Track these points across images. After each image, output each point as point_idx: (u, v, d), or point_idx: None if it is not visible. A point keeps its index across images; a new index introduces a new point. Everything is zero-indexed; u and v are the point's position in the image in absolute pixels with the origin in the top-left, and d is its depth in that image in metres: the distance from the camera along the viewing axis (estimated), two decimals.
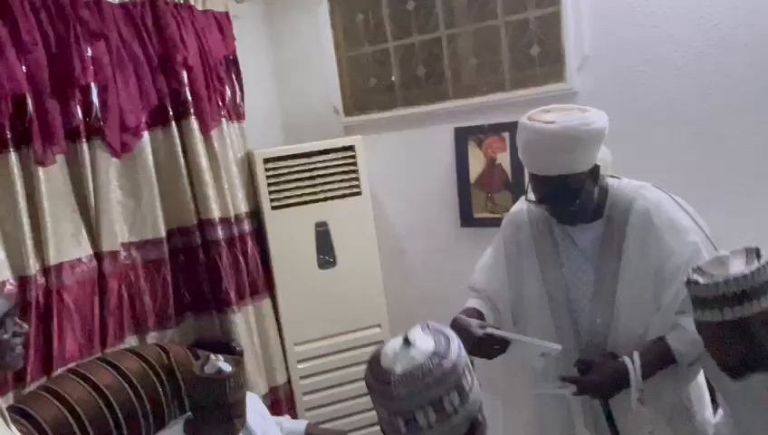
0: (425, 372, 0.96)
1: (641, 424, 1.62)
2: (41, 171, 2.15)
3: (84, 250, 2.32)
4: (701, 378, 1.73)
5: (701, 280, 1.31)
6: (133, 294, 2.51)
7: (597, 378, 1.57)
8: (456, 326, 1.56)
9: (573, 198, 1.54)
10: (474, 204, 3.07)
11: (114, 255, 2.41)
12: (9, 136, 2.06)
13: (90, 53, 2.29)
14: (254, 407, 2.27)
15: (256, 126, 3.15)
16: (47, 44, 2.18)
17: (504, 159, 2.96)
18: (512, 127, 2.89)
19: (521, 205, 1.85)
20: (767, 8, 2.33)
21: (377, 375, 1.07)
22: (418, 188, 3.23)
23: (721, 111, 2.48)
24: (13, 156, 2.08)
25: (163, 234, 2.58)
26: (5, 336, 1.48)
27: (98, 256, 2.37)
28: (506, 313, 1.84)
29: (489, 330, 1.59)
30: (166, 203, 2.60)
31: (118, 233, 2.43)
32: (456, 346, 1.03)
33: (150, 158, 2.53)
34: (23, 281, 2.12)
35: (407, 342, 1.01)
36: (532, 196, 1.64)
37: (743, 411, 1.53)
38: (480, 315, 1.72)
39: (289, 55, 3.47)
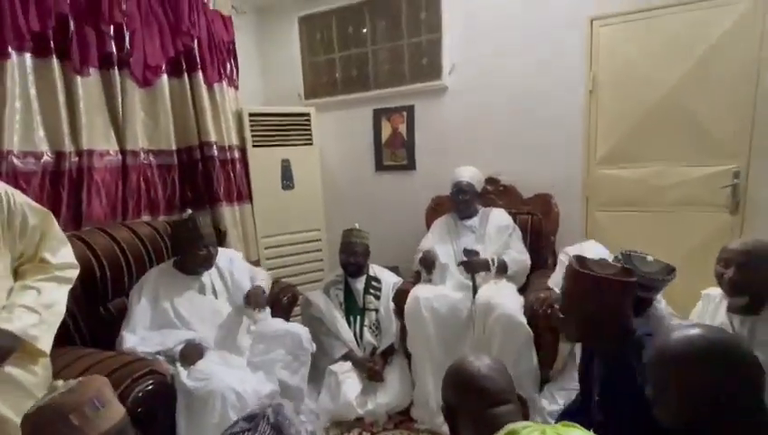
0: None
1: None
2: (78, 79, 1.73)
3: (112, 145, 1.92)
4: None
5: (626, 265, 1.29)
6: (149, 186, 2.10)
7: (475, 261, 2.00)
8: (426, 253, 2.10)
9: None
10: (384, 156, 2.87)
11: (135, 153, 2.00)
12: (53, 45, 1.63)
13: (124, 7, 1.88)
14: (229, 254, 1.89)
15: (247, 101, 2.75)
16: None
17: (402, 129, 2.78)
18: (408, 108, 2.75)
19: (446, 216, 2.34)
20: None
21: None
22: (350, 145, 2.97)
23: (528, 98, 2.41)
24: (55, 62, 1.66)
25: (174, 147, 2.19)
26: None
27: (123, 152, 1.95)
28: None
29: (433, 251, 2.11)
30: (177, 127, 2.20)
31: (139, 139, 2.02)
32: None
33: (167, 94, 2.13)
34: (58, 155, 1.69)
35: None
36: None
37: None
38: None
39: (271, 58, 3.11)
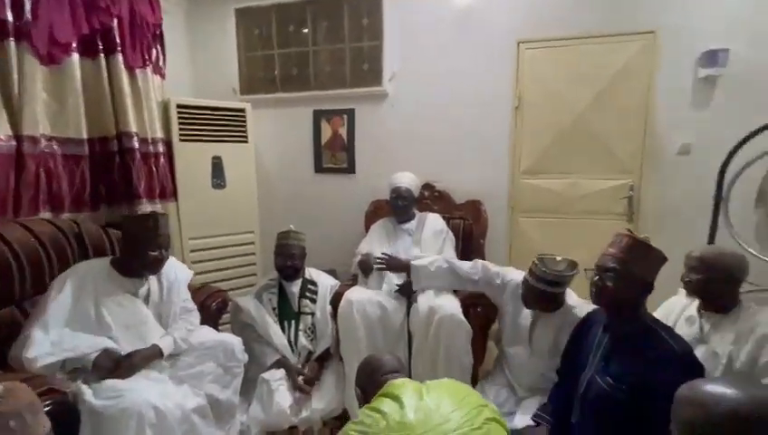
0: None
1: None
2: None
3: (3, 129, 1.63)
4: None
5: (541, 267, 1.51)
6: (51, 178, 1.83)
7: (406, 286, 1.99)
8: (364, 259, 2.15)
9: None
10: (324, 158, 2.84)
11: (35, 140, 1.73)
12: None
13: None
14: (177, 268, 1.73)
15: (175, 92, 2.53)
16: None
17: (343, 132, 2.78)
18: (349, 112, 2.76)
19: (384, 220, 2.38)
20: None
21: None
22: (288, 145, 2.89)
23: (462, 110, 2.56)
24: None
25: (84, 136, 1.93)
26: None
27: (18, 138, 1.68)
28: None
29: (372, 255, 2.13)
30: (89, 114, 1.95)
31: (40, 124, 1.75)
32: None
33: (78, 75, 1.88)
34: None
35: None
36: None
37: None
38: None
39: (203, 48, 2.92)
